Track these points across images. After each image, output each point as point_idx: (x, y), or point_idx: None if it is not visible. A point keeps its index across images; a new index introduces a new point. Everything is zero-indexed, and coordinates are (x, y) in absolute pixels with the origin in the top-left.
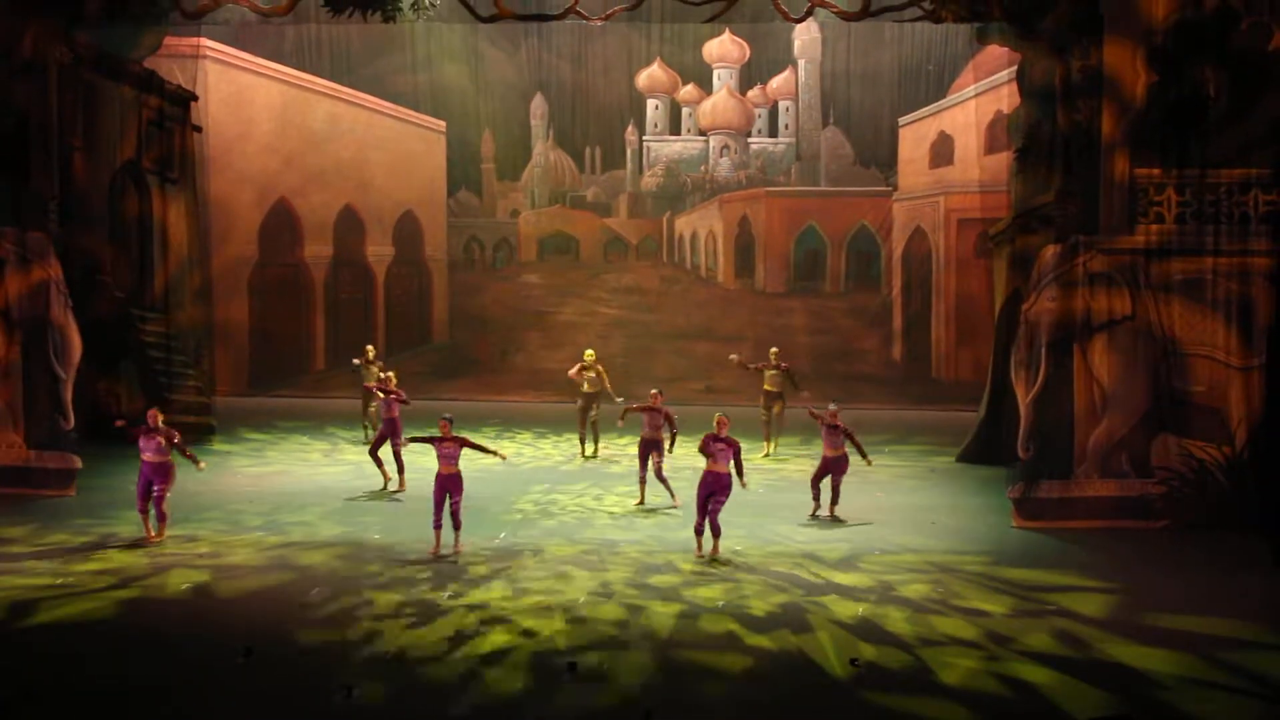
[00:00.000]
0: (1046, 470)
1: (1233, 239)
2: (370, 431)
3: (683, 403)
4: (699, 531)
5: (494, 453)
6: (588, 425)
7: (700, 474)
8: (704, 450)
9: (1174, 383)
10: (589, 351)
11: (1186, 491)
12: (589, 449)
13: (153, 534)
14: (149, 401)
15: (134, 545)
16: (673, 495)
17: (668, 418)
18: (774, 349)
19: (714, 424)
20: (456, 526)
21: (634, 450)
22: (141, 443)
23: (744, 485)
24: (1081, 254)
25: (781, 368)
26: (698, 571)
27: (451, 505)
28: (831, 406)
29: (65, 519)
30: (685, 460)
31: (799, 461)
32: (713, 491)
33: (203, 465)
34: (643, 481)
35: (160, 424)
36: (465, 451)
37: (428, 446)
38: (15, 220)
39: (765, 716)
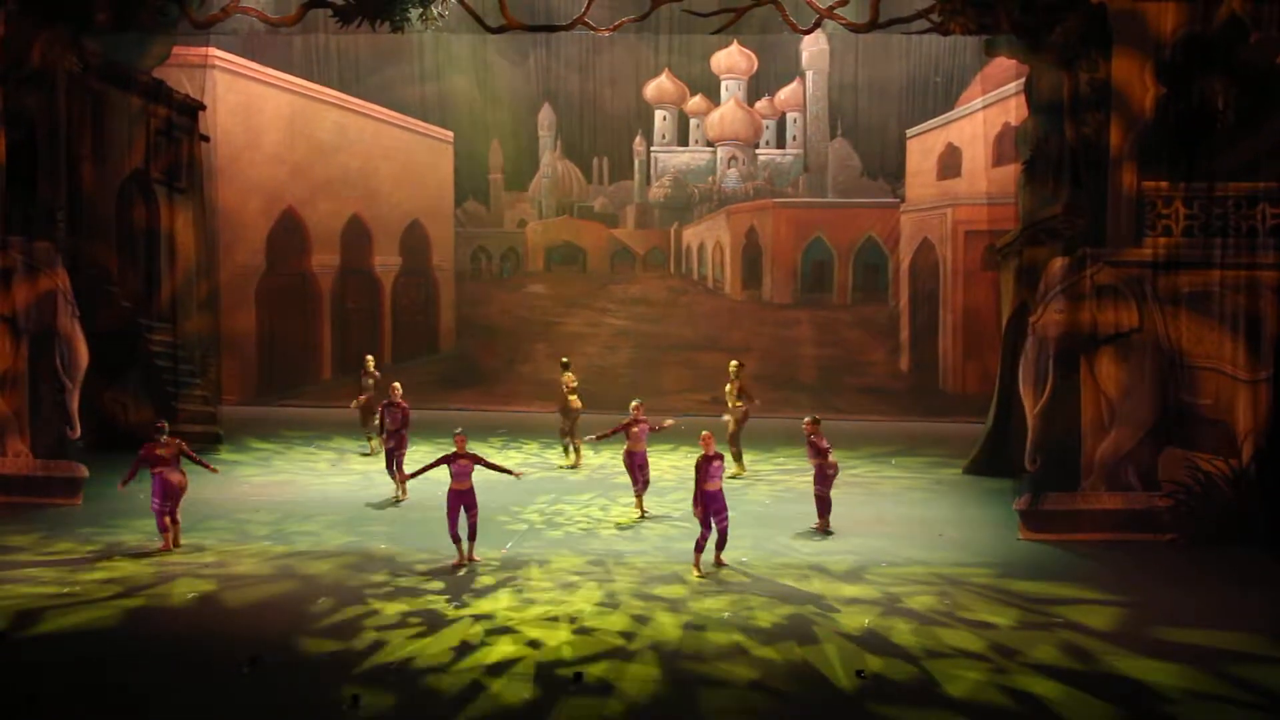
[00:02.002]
0: (1053, 483)
1: (1240, 252)
2: (374, 441)
3: (690, 414)
4: (700, 548)
5: (510, 472)
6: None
7: (696, 493)
8: (702, 471)
9: (1181, 396)
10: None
11: (1193, 505)
12: (571, 458)
13: (171, 544)
14: (156, 411)
15: (140, 554)
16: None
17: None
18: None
19: (702, 443)
20: (472, 537)
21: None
22: (155, 456)
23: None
24: (1089, 266)
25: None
26: (704, 583)
27: (469, 519)
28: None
29: (72, 528)
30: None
31: (807, 474)
32: (718, 509)
33: (217, 470)
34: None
35: (166, 435)
36: (477, 468)
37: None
38: (23, 229)
39: None
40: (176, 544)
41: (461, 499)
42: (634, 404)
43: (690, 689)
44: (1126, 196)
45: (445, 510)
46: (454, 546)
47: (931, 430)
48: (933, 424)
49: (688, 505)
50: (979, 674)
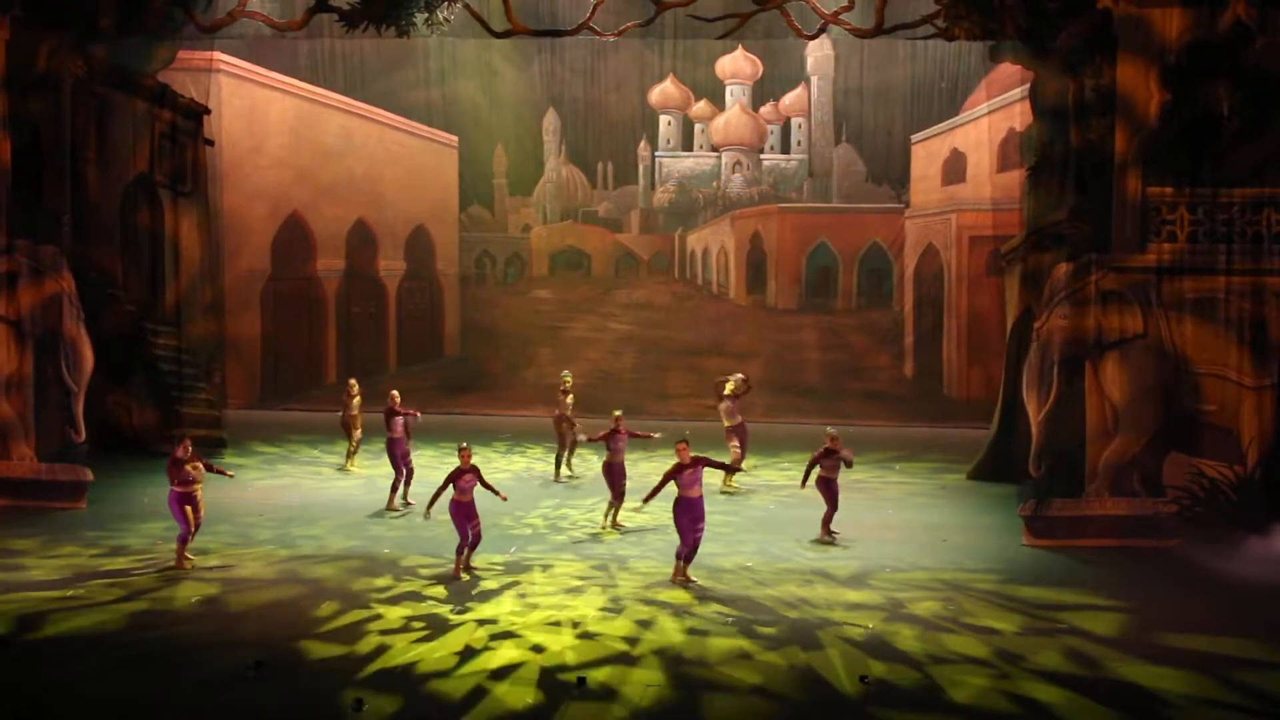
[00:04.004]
0: (1058, 488)
1: (1245, 258)
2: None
3: (694, 418)
4: (681, 556)
5: (497, 493)
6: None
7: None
8: (675, 480)
9: (1185, 402)
10: (566, 374)
11: (1198, 511)
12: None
13: (187, 564)
14: (164, 422)
15: (144, 558)
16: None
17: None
18: (737, 376)
19: (678, 452)
20: (473, 546)
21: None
22: (174, 474)
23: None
24: (1094, 272)
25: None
26: (708, 587)
27: (472, 529)
28: (831, 430)
29: (76, 531)
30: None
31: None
32: (694, 519)
33: (231, 474)
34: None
35: (189, 452)
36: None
37: (446, 467)
38: (28, 233)
39: None
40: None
41: (464, 510)
42: (615, 413)
43: (694, 694)
44: (1131, 202)
45: (451, 521)
46: (456, 556)
47: (935, 435)
48: (937, 429)
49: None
50: (983, 680)
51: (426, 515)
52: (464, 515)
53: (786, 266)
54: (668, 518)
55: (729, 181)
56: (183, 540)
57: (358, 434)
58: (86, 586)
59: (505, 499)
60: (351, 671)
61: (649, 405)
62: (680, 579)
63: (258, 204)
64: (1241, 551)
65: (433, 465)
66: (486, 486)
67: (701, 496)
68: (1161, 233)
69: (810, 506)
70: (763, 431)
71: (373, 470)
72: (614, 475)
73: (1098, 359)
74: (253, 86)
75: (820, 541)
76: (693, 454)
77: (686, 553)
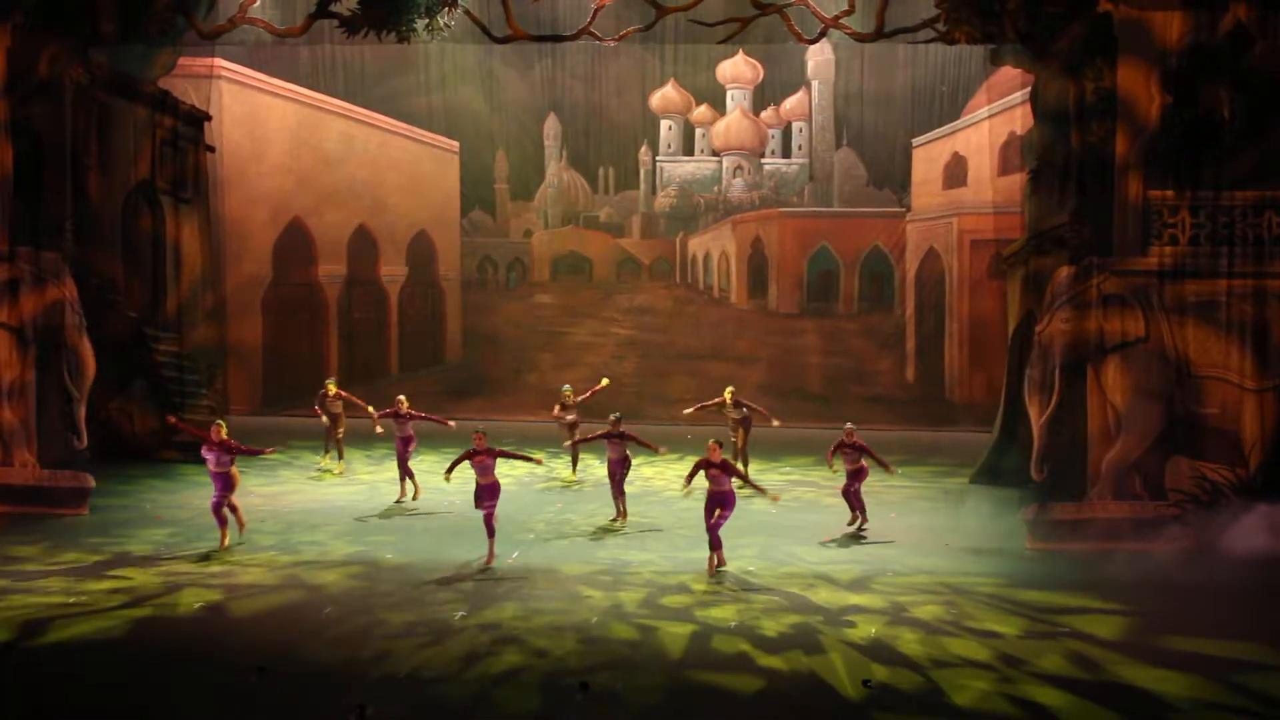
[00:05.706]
0: (1060, 492)
1: (1247, 261)
2: (333, 457)
3: (697, 422)
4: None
5: (528, 458)
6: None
7: (706, 494)
8: (704, 473)
9: (1187, 405)
10: (568, 388)
11: (1200, 514)
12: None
13: (226, 542)
14: (166, 428)
15: (147, 563)
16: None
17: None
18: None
19: (708, 450)
20: (490, 535)
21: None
22: (206, 455)
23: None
24: (1095, 275)
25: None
26: (710, 592)
27: (485, 511)
28: (849, 426)
29: (78, 538)
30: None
31: (813, 481)
32: (718, 506)
33: (270, 451)
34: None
35: (224, 436)
36: (500, 462)
37: (466, 462)
38: (30, 240)
39: None
40: (242, 528)
41: (482, 492)
42: (612, 417)
43: (696, 699)
44: (1132, 205)
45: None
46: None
47: (938, 440)
48: (939, 433)
49: (696, 515)
50: (985, 683)
51: (446, 478)
52: (480, 496)
53: (788, 271)
54: (670, 521)
55: (730, 186)
56: (222, 523)
57: (340, 434)
58: (89, 593)
59: (539, 462)
60: (354, 677)
61: (651, 410)
62: (717, 565)
63: (259, 210)
64: (1242, 553)
65: (434, 471)
66: (514, 456)
67: (731, 490)
68: (1163, 236)
69: (812, 510)
70: (764, 435)
71: (375, 475)
72: (610, 473)
73: (1099, 362)
74: (253, 93)
75: (858, 530)
76: (722, 457)
77: (714, 542)
